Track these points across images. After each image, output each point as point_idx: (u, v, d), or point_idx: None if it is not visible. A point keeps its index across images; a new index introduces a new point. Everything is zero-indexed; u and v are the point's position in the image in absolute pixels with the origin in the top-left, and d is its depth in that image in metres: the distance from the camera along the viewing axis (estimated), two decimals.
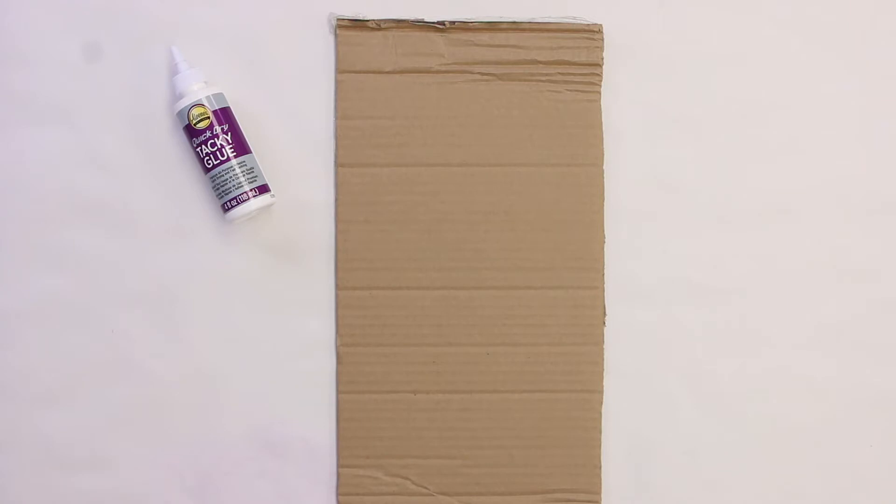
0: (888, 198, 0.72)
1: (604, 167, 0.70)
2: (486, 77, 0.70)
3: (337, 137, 0.70)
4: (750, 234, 0.71)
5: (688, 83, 0.71)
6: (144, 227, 0.70)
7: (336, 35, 0.70)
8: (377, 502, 0.70)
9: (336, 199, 0.70)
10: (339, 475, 0.70)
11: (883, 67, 0.72)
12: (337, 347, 0.70)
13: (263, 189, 0.68)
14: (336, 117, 0.70)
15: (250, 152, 0.68)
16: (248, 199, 0.67)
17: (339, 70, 0.70)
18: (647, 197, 0.71)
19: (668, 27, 0.71)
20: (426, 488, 0.70)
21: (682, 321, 0.71)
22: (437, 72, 0.70)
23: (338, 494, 0.70)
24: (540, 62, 0.69)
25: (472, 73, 0.70)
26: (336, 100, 0.70)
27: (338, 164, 0.70)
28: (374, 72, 0.70)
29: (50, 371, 0.70)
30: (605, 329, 0.70)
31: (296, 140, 0.71)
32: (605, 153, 0.70)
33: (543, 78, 0.70)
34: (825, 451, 0.71)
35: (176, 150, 0.70)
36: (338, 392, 0.70)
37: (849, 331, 0.71)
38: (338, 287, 0.70)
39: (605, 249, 0.70)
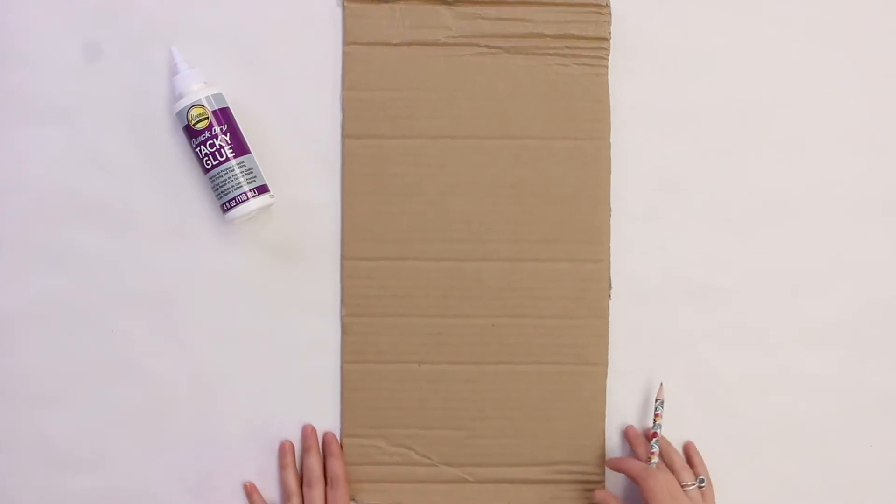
0: (889, 198, 0.72)
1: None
2: (493, 50, 0.70)
3: (344, 109, 0.70)
4: (750, 234, 0.71)
5: (689, 82, 0.71)
6: (145, 228, 0.70)
7: (343, 7, 0.70)
8: (380, 472, 0.70)
9: (342, 170, 0.70)
10: (342, 445, 0.70)
11: (884, 67, 0.72)
12: (342, 317, 0.70)
13: (262, 189, 0.68)
14: (343, 89, 0.70)
15: (249, 153, 0.68)
16: (248, 199, 0.67)
17: (347, 42, 0.70)
18: (648, 196, 0.71)
19: (669, 26, 0.71)
20: (429, 458, 0.70)
21: (682, 321, 0.72)
22: (445, 44, 0.70)
23: None
24: (547, 36, 0.70)
25: (479, 46, 0.70)
26: (343, 71, 0.70)
27: (344, 136, 0.70)
28: (381, 44, 0.70)
29: (50, 371, 0.70)
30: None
31: (296, 140, 0.71)
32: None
33: (551, 52, 0.70)
34: (825, 450, 0.72)
35: (176, 150, 0.70)
36: (342, 362, 0.70)
37: (849, 330, 0.72)
38: (343, 257, 0.70)
39: (610, 223, 0.70)
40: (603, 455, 0.70)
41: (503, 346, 0.70)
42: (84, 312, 0.71)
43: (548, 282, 0.70)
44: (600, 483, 0.71)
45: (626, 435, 0.70)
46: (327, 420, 0.71)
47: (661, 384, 0.69)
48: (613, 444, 0.71)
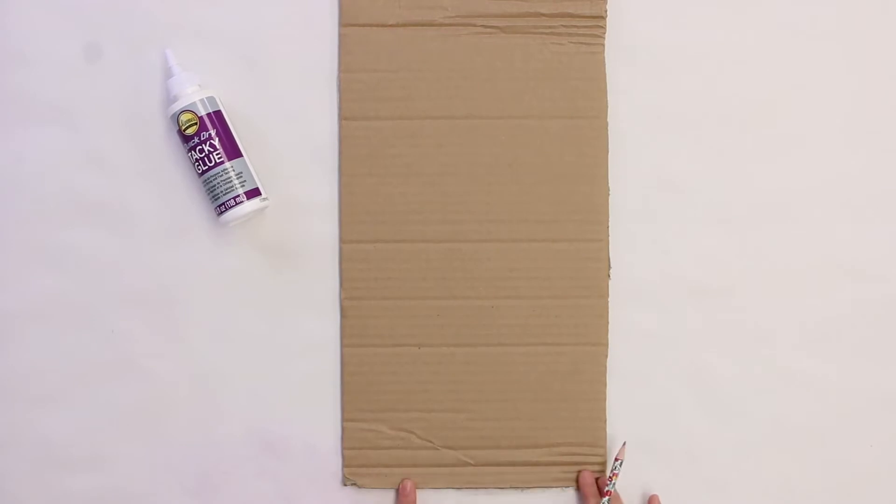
0: (888, 197, 0.72)
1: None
2: (489, 30, 0.70)
3: (340, 91, 0.70)
4: (750, 234, 0.71)
5: (688, 82, 0.71)
6: (145, 228, 0.71)
7: None
8: (382, 456, 0.70)
9: (340, 153, 0.70)
10: (343, 429, 0.70)
11: (883, 67, 0.72)
12: (341, 301, 0.70)
13: (254, 193, 0.68)
14: (339, 70, 0.70)
15: (241, 156, 0.68)
16: (239, 203, 0.67)
17: (343, 23, 0.70)
18: (648, 196, 0.71)
19: (669, 26, 0.71)
20: (431, 442, 0.70)
21: (682, 321, 0.71)
22: (441, 24, 0.70)
23: (343, 448, 0.70)
24: (543, 14, 0.70)
25: (475, 25, 0.70)
26: (339, 53, 0.70)
27: (341, 118, 0.70)
28: (377, 25, 0.70)
29: (50, 371, 0.70)
30: (607, 328, 0.70)
31: (296, 141, 0.71)
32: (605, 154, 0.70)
33: (546, 30, 0.70)
34: (825, 450, 0.71)
35: (176, 150, 0.70)
36: (342, 346, 0.70)
37: (849, 330, 0.71)
38: (342, 240, 0.70)
39: (608, 204, 0.70)
40: (604, 436, 0.70)
41: (503, 327, 0.70)
42: (84, 312, 0.70)
43: (547, 262, 0.70)
44: (602, 464, 0.70)
45: (578, 482, 0.70)
46: (327, 412, 0.71)
47: (624, 444, 0.69)
48: (614, 431, 0.71)
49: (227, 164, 0.67)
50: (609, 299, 0.70)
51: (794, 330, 0.71)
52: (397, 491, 0.70)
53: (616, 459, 0.68)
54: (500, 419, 0.70)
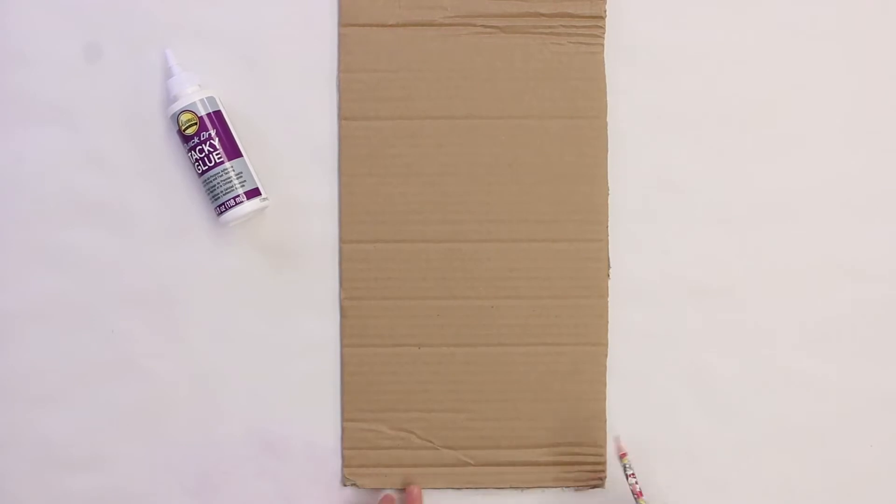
0: (889, 197, 0.72)
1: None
2: (489, 30, 0.70)
3: (340, 91, 0.70)
4: (750, 234, 0.71)
5: (688, 82, 0.71)
6: (145, 228, 0.71)
7: None
8: (382, 456, 0.70)
9: (339, 153, 0.70)
10: (343, 429, 0.70)
11: (883, 67, 0.72)
12: (341, 301, 0.70)
13: (254, 193, 0.68)
14: (339, 70, 0.70)
15: (241, 156, 0.68)
16: (238, 203, 0.67)
17: (343, 23, 0.70)
18: (648, 197, 0.71)
19: (669, 26, 0.71)
20: (431, 442, 0.70)
21: (682, 321, 0.71)
22: (441, 24, 0.70)
23: (343, 448, 0.70)
24: (543, 14, 0.70)
25: (474, 25, 0.70)
26: (339, 53, 0.70)
27: (341, 118, 0.70)
28: (377, 25, 0.70)
29: (50, 371, 0.70)
30: (607, 328, 0.70)
31: (296, 141, 0.71)
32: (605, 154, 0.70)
33: (546, 30, 0.70)
34: (825, 450, 0.71)
35: (176, 150, 0.70)
36: (342, 346, 0.70)
37: (849, 330, 0.71)
38: (341, 240, 0.70)
39: (608, 204, 0.70)
40: (605, 436, 0.70)
41: (503, 327, 0.70)
42: (84, 312, 0.70)
43: (546, 262, 0.70)
44: (601, 464, 0.70)
45: None
46: (327, 412, 0.71)
47: (618, 437, 0.70)
48: (614, 431, 0.71)
49: (227, 164, 0.67)
50: (609, 299, 0.70)
51: (794, 330, 0.71)
52: (404, 493, 0.70)
53: (622, 457, 0.68)
54: (500, 419, 0.70)
